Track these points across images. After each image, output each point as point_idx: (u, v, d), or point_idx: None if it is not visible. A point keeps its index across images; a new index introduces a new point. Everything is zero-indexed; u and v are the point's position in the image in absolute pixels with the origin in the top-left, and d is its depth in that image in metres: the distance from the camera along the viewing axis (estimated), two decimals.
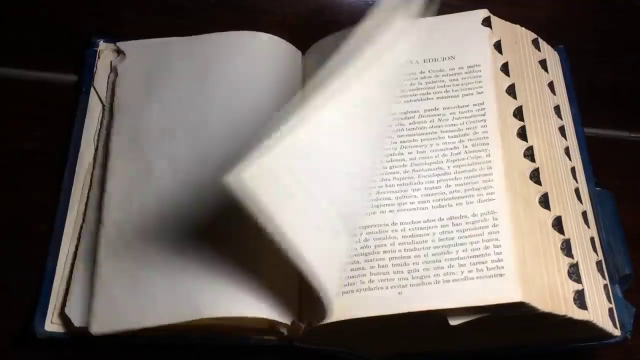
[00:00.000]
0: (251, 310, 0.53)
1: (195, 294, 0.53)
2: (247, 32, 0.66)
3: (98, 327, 0.53)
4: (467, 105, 0.59)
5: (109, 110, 0.63)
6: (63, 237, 0.58)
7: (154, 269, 0.54)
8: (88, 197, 0.60)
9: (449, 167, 0.57)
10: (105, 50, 0.67)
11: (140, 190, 0.58)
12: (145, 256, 0.55)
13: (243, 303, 0.53)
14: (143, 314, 0.53)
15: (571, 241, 0.55)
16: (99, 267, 0.55)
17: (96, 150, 0.62)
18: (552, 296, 0.52)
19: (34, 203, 0.62)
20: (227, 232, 0.56)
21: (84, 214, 0.59)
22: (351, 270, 0.54)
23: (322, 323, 0.53)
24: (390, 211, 0.56)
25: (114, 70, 0.65)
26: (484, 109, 0.59)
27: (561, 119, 0.63)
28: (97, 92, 0.65)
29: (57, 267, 0.57)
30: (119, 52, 0.66)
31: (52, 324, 0.55)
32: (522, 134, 0.58)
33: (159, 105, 0.62)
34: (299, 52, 0.67)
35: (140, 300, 0.53)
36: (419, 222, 0.55)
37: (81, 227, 0.59)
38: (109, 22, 0.70)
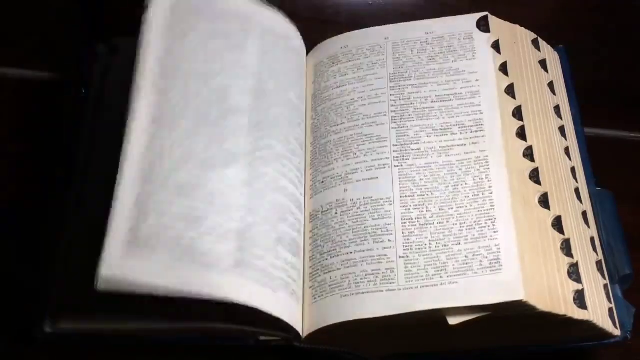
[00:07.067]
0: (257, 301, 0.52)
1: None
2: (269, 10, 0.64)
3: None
4: (467, 103, 0.60)
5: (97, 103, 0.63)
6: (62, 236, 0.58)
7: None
8: None
9: (448, 166, 0.57)
10: (104, 51, 0.67)
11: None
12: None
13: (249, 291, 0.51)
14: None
15: (571, 241, 0.55)
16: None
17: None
18: (552, 296, 0.52)
19: (33, 203, 0.62)
20: None
21: None
22: (352, 271, 0.55)
23: (323, 325, 0.53)
24: (390, 217, 0.56)
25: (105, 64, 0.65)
26: (482, 109, 0.59)
27: (561, 119, 0.62)
28: (95, 92, 0.65)
29: (57, 267, 0.57)
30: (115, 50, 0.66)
31: (52, 324, 0.55)
32: (521, 134, 0.58)
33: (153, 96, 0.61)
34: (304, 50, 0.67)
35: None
36: (420, 223, 0.55)
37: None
38: (109, 22, 0.70)
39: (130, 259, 0.49)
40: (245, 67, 0.59)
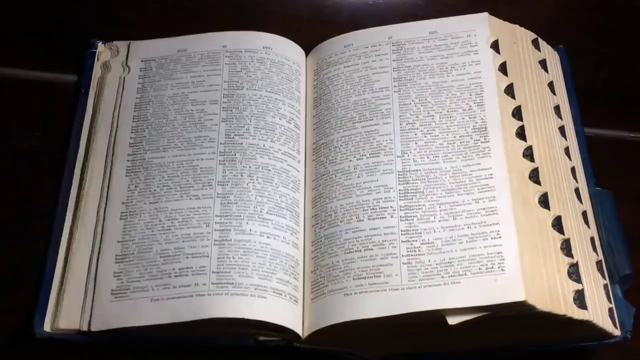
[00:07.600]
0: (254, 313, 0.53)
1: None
2: (253, 32, 0.66)
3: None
4: (469, 106, 0.60)
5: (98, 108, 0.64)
6: (62, 236, 0.58)
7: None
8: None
9: (449, 168, 0.57)
10: (103, 52, 0.67)
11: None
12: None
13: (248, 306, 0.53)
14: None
15: (571, 241, 0.55)
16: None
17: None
18: (552, 296, 0.52)
19: (34, 203, 0.62)
20: None
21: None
22: (354, 271, 0.55)
23: (324, 325, 0.53)
24: (392, 216, 0.56)
25: (108, 68, 0.65)
26: (484, 110, 0.59)
27: (561, 119, 0.62)
28: (95, 93, 0.65)
29: (57, 267, 0.57)
30: (117, 51, 0.66)
31: (51, 324, 0.55)
32: (521, 134, 0.58)
33: (155, 105, 0.63)
34: (303, 53, 0.67)
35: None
36: (422, 223, 0.55)
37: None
38: (109, 22, 0.70)
39: (117, 307, 0.54)
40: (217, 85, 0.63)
